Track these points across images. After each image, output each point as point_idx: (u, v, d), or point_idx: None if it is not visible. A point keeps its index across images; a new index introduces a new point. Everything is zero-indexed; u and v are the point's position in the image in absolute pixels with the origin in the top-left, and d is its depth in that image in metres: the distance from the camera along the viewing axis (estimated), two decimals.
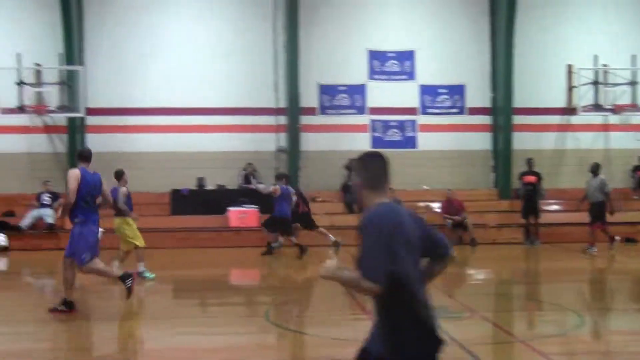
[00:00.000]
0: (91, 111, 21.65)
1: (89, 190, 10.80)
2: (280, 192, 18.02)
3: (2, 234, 19.71)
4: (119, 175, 14.83)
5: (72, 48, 21.41)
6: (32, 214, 20.38)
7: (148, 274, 14.50)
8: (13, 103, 20.45)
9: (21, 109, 20.56)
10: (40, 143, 21.95)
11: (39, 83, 20.95)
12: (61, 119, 21.52)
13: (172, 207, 21.44)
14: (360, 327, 10.50)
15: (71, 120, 21.52)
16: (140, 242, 14.47)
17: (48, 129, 21.87)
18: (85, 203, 10.83)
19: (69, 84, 21.24)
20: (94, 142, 22.07)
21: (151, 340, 9.63)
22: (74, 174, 10.79)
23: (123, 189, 14.67)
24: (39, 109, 20.67)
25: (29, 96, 20.69)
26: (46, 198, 20.59)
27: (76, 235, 10.92)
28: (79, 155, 11.15)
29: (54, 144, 22.03)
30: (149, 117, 22.24)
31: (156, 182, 21.79)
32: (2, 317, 11.32)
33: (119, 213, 14.29)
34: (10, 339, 9.84)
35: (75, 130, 21.73)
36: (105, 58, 22.22)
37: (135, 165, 21.91)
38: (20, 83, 20.62)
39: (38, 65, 20.96)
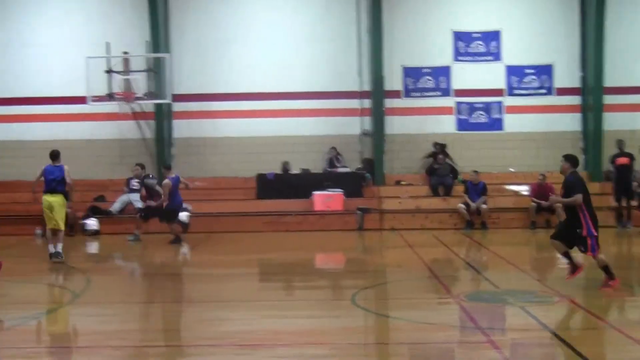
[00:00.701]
0: (177, 97, 21.95)
1: None
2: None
3: (93, 218, 20.22)
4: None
5: (159, 36, 21.74)
6: (122, 198, 20.84)
7: None
8: (103, 91, 20.86)
9: (110, 97, 20.97)
10: (129, 129, 22.40)
11: (127, 71, 21.33)
12: (149, 105, 21.90)
13: (257, 191, 21.61)
14: (445, 311, 10.40)
15: (158, 106, 21.89)
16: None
17: (136, 116, 22.30)
18: None
19: (156, 71, 21.57)
20: (180, 127, 22.49)
21: (236, 322, 9.69)
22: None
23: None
24: (128, 96, 21.05)
25: (117, 84, 21.09)
26: (135, 183, 20.99)
27: None
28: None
29: (142, 130, 22.46)
30: (234, 102, 22.43)
31: (242, 167, 22.00)
32: (93, 298, 11.58)
33: None
34: (100, 320, 10.05)
35: (162, 116, 22.09)
36: (190, 45, 22.49)
37: (221, 150, 22.24)
38: (110, 71, 21.02)
39: (126, 53, 21.34)
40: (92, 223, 20.11)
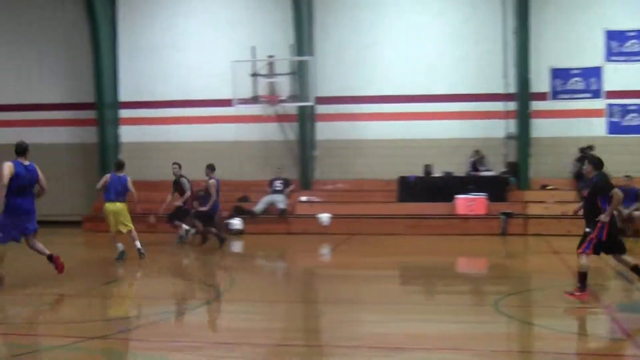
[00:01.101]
0: (320, 100, 22.11)
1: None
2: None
3: (237, 218, 20.65)
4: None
5: (303, 39, 21.97)
6: (265, 199, 21.19)
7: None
8: (248, 94, 21.29)
9: (255, 99, 21.38)
10: (272, 131, 22.76)
11: (271, 74, 21.69)
12: (292, 108, 22.17)
13: (399, 194, 21.47)
14: (594, 321, 9.96)
15: (301, 109, 22.12)
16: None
17: (280, 118, 22.62)
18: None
19: (300, 74, 21.81)
20: (323, 130, 22.62)
21: (376, 325, 9.62)
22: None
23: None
24: (272, 98, 21.41)
25: (262, 87, 21.49)
26: (278, 184, 21.33)
27: None
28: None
29: (286, 132, 22.77)
30: (377, 104, 22.38)
31: (383, 169, 21.92)
32: (236, 296, 11.78)
33: None
34: (243, 318, 10.20)
35: (305, 118, 22.32)
36: (333, 48, 22.62)
37: (363, 152, 22.24)
38: (255, 74, 21.44)
39: (271, 56, 21.70)
40: (236, 223, 20.54)
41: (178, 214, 18.06)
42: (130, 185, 15.38)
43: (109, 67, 23.20)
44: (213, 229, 17.52)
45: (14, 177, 11.94)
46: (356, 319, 10.04)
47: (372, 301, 11.24)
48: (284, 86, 21.55)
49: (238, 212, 21.02)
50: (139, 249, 15.22)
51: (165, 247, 17.88)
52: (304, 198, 21.74)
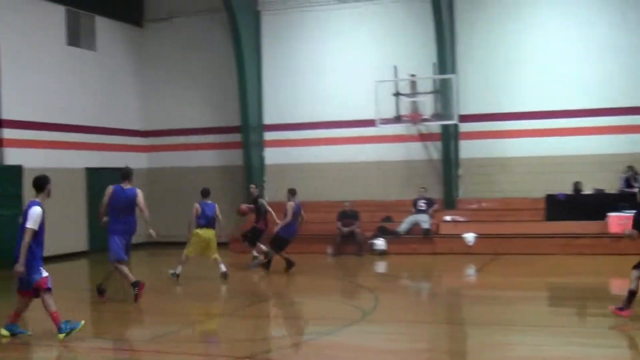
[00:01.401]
0: (464, 118, 21.81)
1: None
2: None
3: (381, 239, 20.61)
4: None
5: (445, 57, 21.77)
6: (409, 219, 21.05)
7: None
8: (390, 113, 21.28)
9: (398, 119, 21.35)
10: (415, 151, 22.62)
11: (414, 93, 21.61)
12: (435, 126, 21.97)
13: (547, 212, 20.83)
14: None
15: (445, 127, 21.89)
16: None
17: (423, 137, 22.47)
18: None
19: (443, 92, 21.62)
20: (466, 148, 22.28)
21: (527, 348, 9.33)
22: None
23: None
24: (414, 117, 21.31)
25: (405, 106, 21.44)
26: (422, 204, 21.16)
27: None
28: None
29: (429, 151, 22.58)
30: (520, 121, 21.83)
31: (530, 187, 21.33)
32: (382, 317, 11.73)
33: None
34: (388, 339, 10.16)
35: (449, 137, 22.06)
36: (476, 65, 22.28)
37: (509, 170, 21.78)
38: (397, 94, 21.42)
39: (413, 75, 21.63)
40: (380, 243, 20.51)
41: (253, 234, 18.20)
42: (217, 212, 15.98)
43: (254, 91, 23.78)
44: (284, 254, 17.09)
45: (111, 199, 12.98)
46: (505, 341, 9.78)
47: (521, 323, 10.93)
48: (427, 105, 21.42)
49: (382, 232, 20.98)
50: (223, 272, 15.66)
51: (303, 267, 18.05)
52: (448, 217, 21.46)
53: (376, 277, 17.85)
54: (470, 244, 19.91)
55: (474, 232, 20.12)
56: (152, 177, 24.89)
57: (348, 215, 21.01)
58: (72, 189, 21.29)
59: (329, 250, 20.64)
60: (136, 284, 13.02)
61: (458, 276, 16.93)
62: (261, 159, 24.06)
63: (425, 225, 20.70)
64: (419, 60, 22.07)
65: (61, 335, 9.94)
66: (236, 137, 23.86)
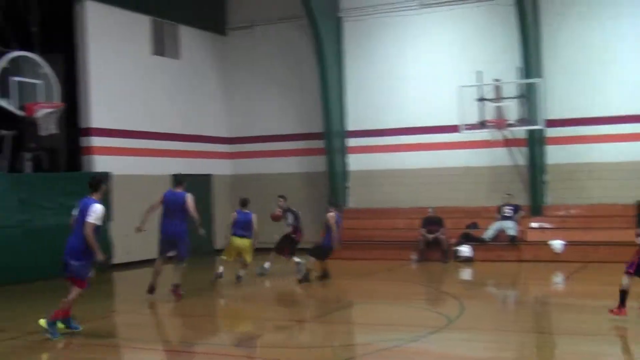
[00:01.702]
0: (550, 122, 21.35)
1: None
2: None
3: (466, 245, 20.34)
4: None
5: (530, 61, 21.35)
6: (495, 226, 20.71)
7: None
8: (475, 119, 21.00)
9: (482, 124, 21.04)
10: (501, 156, 22.23)
11: (498, 98, 21.27)
12: (520, 132, 21.56)
13: (638, 218, 20.18)
14: None
15: (530, 132, 21.47)
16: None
17: (508, 143, 22.08)
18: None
19: (528, 96, 21.21)
20: (553, 153, 21.80)
21: (613, 358, 9.03)
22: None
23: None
24: (499, 123, 20.97)
25: (489, 111, 21.13)
26: (508, 210, 20.79)
27: None
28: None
29: (514, 156, 22.16)
30: (609, 125, 21.23)
31: (620, 193, 20.69)
32: (467, 324, 11.54)
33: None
34: (473, 347, 10.00)
35: (535, 142, 21.62)
36: (562, 68, 21.77)
37: (598, 175, 21.21)
38: (481, 99, 21.14)
39: (497, 80, 21.31)
40: (465, 250, 20.24)
41: (287, 244, 17.94)
42: (254, 222, 16.18)
43: (337, 97, 23.79)
44: (324, 264, 16.69)
45: (163, 202, 14.05)
46: (590, 351, 9.50)
47: (610, 333, 10.59)
48: (512, 110, 21.04)
49: (466, 238, 20.70)
50: (238, 275, 16.19)
51: (387, 273, 17.94)
52: (535, 224, 21.04)
53: (461, 284, 17.63)
54: (558, 251, 19.46)
55: (562, 239, 19.66)
56: (235, 184, 25.16)
57: (432, 222, 20.81)
58: (157, 196, 21.59)
59: (413, 256, 20.48)
60: (151, 290, 14.09)
61: (545, 284, 16.56)
62: (344, 165, 24.04)
63: (511, 232, 20.33)
64: (503, 65, 21.70)
65: (42, 321, 10.53)
66: (319, 144, 23.90)
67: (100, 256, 10.56)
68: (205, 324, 12.74)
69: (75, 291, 10.65)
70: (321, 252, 16.69)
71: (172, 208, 13.96)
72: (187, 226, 14.08)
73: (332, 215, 16.48)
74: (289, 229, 17.64)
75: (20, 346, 10.49)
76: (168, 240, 14.09)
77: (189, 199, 13.98)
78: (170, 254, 14.23)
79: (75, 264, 10.56)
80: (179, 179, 14.61)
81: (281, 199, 18.02)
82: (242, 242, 16.10)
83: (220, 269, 16.10)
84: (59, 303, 10.66)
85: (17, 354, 10.04)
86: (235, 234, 16.12)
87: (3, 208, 17.02)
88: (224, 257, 16.34)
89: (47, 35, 18.95)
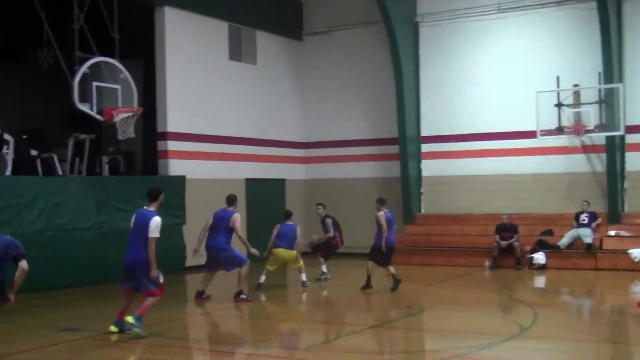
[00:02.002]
0: (631, 129, 20.84)
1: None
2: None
3: (541, 252, 20.00)
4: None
5: (611, 65, 20.85)
6: (571, 233, 20.30)
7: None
8: (552, 124, 20.69)
9: (560, 130, 20.71)
10: (578, 163, 21.77)
11: (577, 104, 20.91)
12: (599, 138, 21.11)
13: None
14: None
15: (610, 139, 20.99)
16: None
17: (586, 149, 21.62)
18: None
19: (608, 102, 20.77)
20: (633, 160, 21.29)
21: None
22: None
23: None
24: (578, 129, 20.60)
25: (567, 117, 20.78)
26: (584, 218, 20.36)
27: None
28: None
29: (592, 163, 21.69)
30: None
31: None
32: (541, 333, 11.35)
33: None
34: (547, 356, 9.86)
35: (614, 149, 21.11)
36: None
37: None
38: (559, 105, 20.80)
39: (576, 85, 20.93)
40: (539, 257, 19.91)
41: (324, 248, 17.84)
42: (298, 233, 16.29)
43: (412, 102, 23.68)
44: (390, 267, 16.03)
45: (213, 218, 14.55)
46: None
47: None
48: (591, 115, 20.64)
49: (541, 246, 20.36)
50: (303, 281, 16.41)
51: (460, 280, 17.77)
52: (612, 232, 20.56)
53: (535, 292, 17.34)
54: (637, 260, 18.96)
55: None
56: (309, 188, 25.28)
57: (506, 228, 20.54)
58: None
59: (487, 263, 20.25)
60: (200, 294, 14.57)
61: (622, 293, 16.14)
62: (418, 170, 23.92)
63: (588, 240, 19.90)
64: (583, 69, 21.30)
65: (130, 318, 10.76)
66: (393, 149, 23.81)
67: (154, 273, 10.76)
68: (276, 327, 12.84)
69: (151, 300, 10.90)
70: (374, 254, 15.92)
71: (219, 224, 14.41)
72: (229, 242, 14.41)
73: (381, 214, 15.78)
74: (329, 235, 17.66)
75: (96, 345, 10.73)
76: (211, 255, 14.47)
77: (236, 218, 14.40)
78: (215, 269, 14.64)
79: (146, 282, 10.84)
80: (231, 198, 14.82)
81: (320, 207, 17.97)
82: (287, 254, 16.21)
83: (262, 278, 16.13)
84: (143, 300, 10.91)
85: (93, 352, 10.28)
86: (279, 246, 16.19)
87: (81, 210, 17.41)
88: (269, 267, 16.32)
89: (127, 41, 19.37)
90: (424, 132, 23.91)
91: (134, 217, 11.25)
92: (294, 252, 16.37)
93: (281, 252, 16.21)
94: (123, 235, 17.19)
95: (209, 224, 14.54)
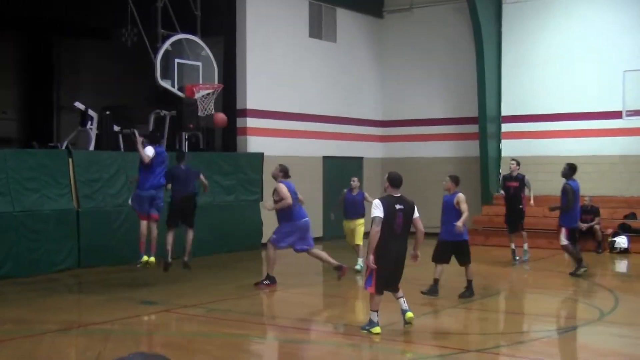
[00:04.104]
0: None
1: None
2: None
3: (623, 236, 19.53)
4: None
5: None
6: None
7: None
8: (639, 105, 20.14)
9: None
10: None
11: None
12: None
13: None
14: None
15: None
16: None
17: None
18: None
19: None
20: None
21: None
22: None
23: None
24: None
25: None
26: None
27: None
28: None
29: None
30: None
31: None
32: (621, 319, 11.12)
33: None
34: (628, 342, 9.63)
35: None
36: None
37: None
38: None
39: None
40: (621, 241, 19.44)
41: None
42: (366, 200, 15.65)
43: (493, 82, 23.32)
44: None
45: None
46: None
47: None
48: None
49: (624, 229, 19.87)
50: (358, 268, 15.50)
51: (539, 262, 17.49)
52: None
53: (616, 276, 16.99)
54: None
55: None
56: (386, 167, 25.12)
57: (588, 211, 20.06)
58: (310, 177, 21.90)
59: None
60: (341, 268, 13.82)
61: None
62: (498, 150, 23.58)
63: None
64: None
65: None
66: (473, 128, 23.51)
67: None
68: (347, 307, 12.88)
69: None
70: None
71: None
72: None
73: (461, 195, 13.10)
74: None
75: (173, 318, 10.96)
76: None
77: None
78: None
79: None
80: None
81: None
82: (351, 224, 15.90)
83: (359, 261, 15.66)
84: None
85: (170, 326, 10.51)
86: (345, 217, 16.01)
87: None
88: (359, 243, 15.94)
89: (208, 19, 19.57)
90: (505, 111, 23.53)
91: None
92: (357, 222, 16.00)
93: (345, 223, 16.10)
94: (201, 211, 17.53)
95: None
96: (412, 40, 24.99)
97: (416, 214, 9.87)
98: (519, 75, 23.25)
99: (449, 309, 11.80)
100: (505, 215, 17.93)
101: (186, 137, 19.39)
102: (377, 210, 9.47)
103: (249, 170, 20.00)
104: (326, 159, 22.97)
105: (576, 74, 22.30)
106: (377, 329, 9.61)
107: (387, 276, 9.64)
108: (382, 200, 9.63)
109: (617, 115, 20.45)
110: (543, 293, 13.83)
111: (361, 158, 24.66)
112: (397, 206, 9.58)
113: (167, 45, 18.08)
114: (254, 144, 20.69)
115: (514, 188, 17.58)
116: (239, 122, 20.83)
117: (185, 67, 18.59)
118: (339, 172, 22.75)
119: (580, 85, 22.17)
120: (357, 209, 15.88)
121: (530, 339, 9.80)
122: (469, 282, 12.64)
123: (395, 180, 9.75)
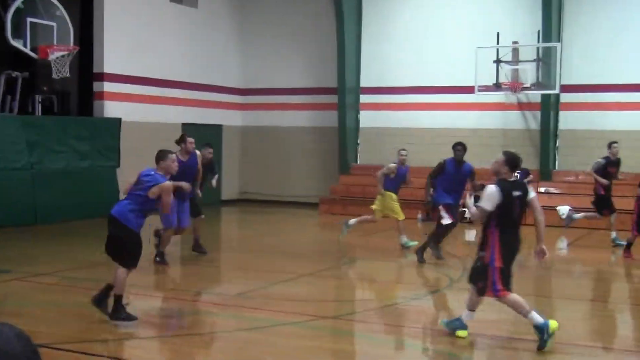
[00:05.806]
0: (566, 88, 21.18)
1: None
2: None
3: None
4: None
5: (550, 25, 21.08)
6: None
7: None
8: (490, 81, 20.87)
9: (497, 86, 20.92)
10: (514, 120, 22.10)
11: (515, 61, 21.12)
12: (535, 96, 21.41)
13: None
14: None
15: (545, 97, 21.29)
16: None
17: (522, 106, 21.94)
18: None
19: (545, 60, 21.04)
20: (566, 119, 21.70)
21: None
22: None
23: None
24: (515, 86, 20.83)
25: (505, 74, 20.98)
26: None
27: None
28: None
29: (527, 121, 22.05)
30: (625, 93, 21.07)
31: (633, 162, 20.50)
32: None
33: None
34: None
35: (549, 107, 21.44)
36: (581, 34, 21.53)
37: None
38: (498, 61, 20.98)
39: (515, 43, 21.12)
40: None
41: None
42: (408, 175, 15.56)
43: (353, 53, 23.63)
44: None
45: None
46: (574, 317, 9.51)
47: (613, 300, 10.60)
48: (528, 73, 20.89)
49: (476, 199, 20.65)
50: (402, 244, 15.18)
51: (387, 231, 17.97)
52: (543, 189, 20.99)
53: (467, 246, 17.64)
54: (564, 217, 19.36)
55: (569, 205, 19.58)
56: (246, 135, 25.15)
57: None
58: (168, 144, 21.51)
59: (419, 216, 20.45)
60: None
61: (549, 249, 16.37)
62: (356, 121, 23.98)
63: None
64: (522, 27, 21.48)
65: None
66: (332, 99, 23.77)
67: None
68: (216, 275, 12.83)
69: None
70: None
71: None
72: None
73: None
74: None
75: (25, 287, 10.61)
76: None
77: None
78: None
79: None
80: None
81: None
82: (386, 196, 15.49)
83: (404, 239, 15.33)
84: None
85: (22, 295, 10.17)
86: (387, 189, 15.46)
87: (12, 150, 17.05)
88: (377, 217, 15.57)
89: None
90: (364, 83, 23.92)
91: None
92: (389, 194, 15.64)
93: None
94: (55, 176, 17.04)
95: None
96: (273, 10, 24.93)
97: (532, 194, 8.50)
98: (378, 48, 23.65)
99: (305, 277, 11.95)
100: None
101: (39, 100, 18.67)
102: (488, 201, 8.09)
103: (106, 136, 19.52)
104: (185, 126, 22.69)
105: (432, 48, 22.89)
106: (464, 333, 8.34)
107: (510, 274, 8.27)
108: (498, 186, 8.09)
109: (470, 90, 21.12)
110: (394, 260, 14.22)
111: (220, 126, 24.50)
112: (515, 193, 8.18)
113: (18, 2, 17.31)
114: (111, 109, 20.17)
115: None
116: (96, 86, 20.24)
117: (39, 26, 17.85)
118: (198, 140, 22.45)
119: (435, 60, 22.79)
120: (402, 182, 15.47)
121: (383, 306, 10.06)
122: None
123: (514, 162, 8.33)
